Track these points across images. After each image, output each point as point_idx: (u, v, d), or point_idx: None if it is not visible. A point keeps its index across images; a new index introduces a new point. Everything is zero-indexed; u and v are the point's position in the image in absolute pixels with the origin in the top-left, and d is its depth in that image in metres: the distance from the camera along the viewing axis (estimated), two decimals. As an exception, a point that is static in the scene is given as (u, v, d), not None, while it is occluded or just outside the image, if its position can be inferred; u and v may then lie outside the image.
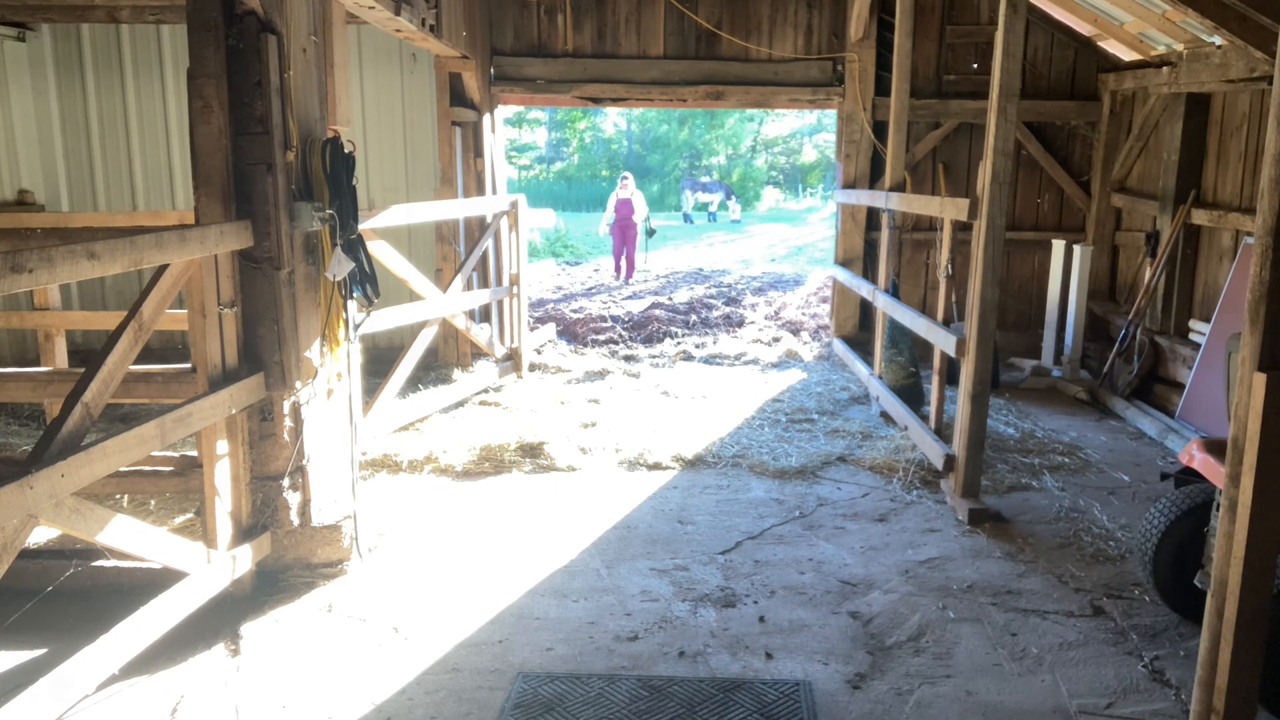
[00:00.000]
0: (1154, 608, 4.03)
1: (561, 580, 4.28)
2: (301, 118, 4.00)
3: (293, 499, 4.12)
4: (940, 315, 5.80)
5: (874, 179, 8.51)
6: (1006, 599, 4.12)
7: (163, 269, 3.49)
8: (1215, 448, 3.51)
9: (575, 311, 10.84)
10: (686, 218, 26.43)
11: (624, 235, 14.69)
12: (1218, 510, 3.18)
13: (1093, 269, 8.05)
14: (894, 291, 7.08)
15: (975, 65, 8.45)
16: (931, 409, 5.92)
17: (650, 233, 15.37)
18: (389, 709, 3.29)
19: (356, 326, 4.40)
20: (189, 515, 4.89)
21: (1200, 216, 6.85)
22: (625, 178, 15.12)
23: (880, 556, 4.55)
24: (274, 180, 3.84)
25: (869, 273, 8.49)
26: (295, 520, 4.15)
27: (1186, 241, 7.06)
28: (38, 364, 6.29)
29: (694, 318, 10.40)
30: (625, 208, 14.66)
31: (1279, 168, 2.44)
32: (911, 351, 6.93)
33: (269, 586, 4.10)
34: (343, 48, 4.73)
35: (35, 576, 3.80)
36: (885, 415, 6.74)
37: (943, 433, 5.75)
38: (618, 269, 14.78)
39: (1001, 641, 3.77)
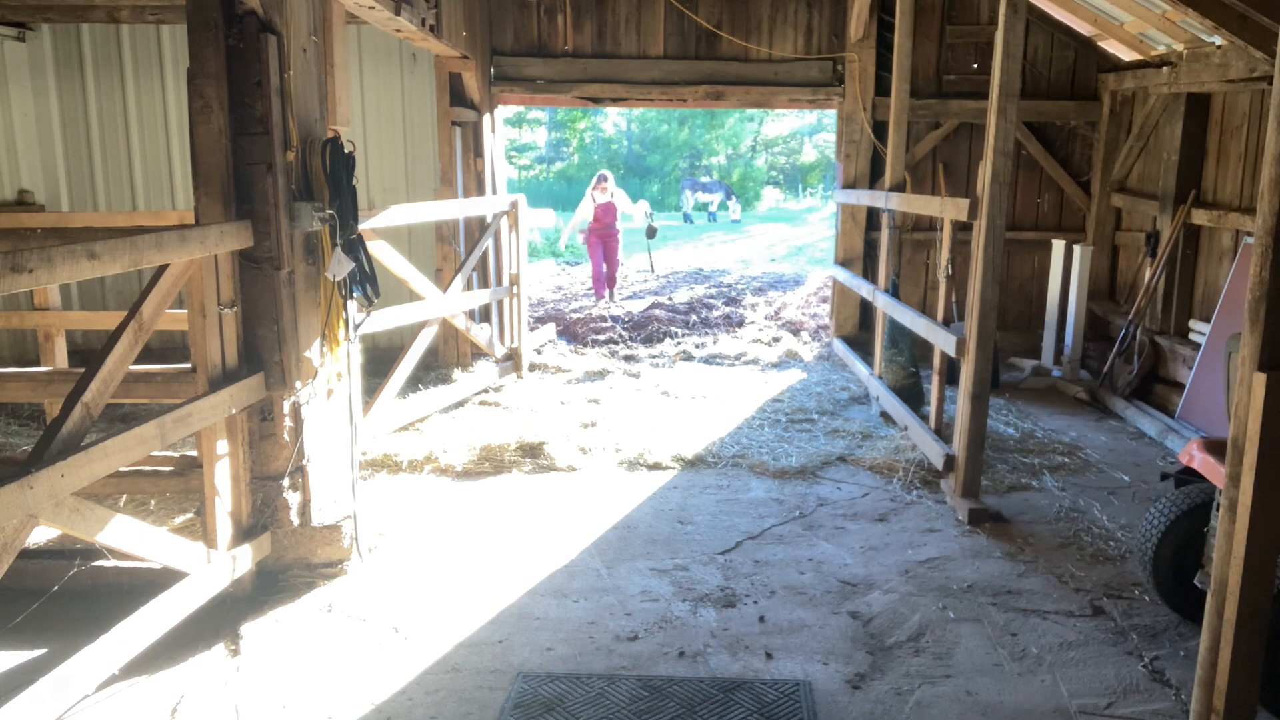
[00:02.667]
0: (1154, 608, 4.03)
1: (561, 580, 4.28)
2: (301, 118, 4.00)
3: (293, 499, 4.12)
4: (940, 315, 5.80)
5: (874, 179, 8.51)
6: (1006, 599, 4.12)
7: (163, 269, 3.49)
8: (1215, 448, 3.51)
9: (575, 311, 10.83)
10: (686, 218, 26.42)
11: (605, 246, 12.18)
12: (1218, 510, 3.18)
13: (1093, 269, 8.05)
14: (894, 291, 7.07)
15: (975, 65, 8.45)
16: (931, 409, 5.91)
17: (651, 233, 13.18)
18: (389, 709, 3.29)
19: (356, 326, 4.40)
20: (189, 515, 4.89)
21: (1200, 216, 6.85)
22: (603, 178, 12.39)
23: (880, 556, 4.55)
24: (274, 180, 3.84)
25: (869, 273, 8.49)
26: (295, 520, 4.15)
27: (1186, 241, 7.06)
28: (38, 364, 6.29)
29: (694, 318, 10.40)
30: (607, 214, 12.15)
31: (1279, 168, 2.44)
32: (911, 351, 6.93)
33: (269, 586, 4.10)
34: (343, 48, 4.73)
35: (35, 576, 3.80)
36: (885, 415, 6.74)
37: (943, 433, 5.74)
38: (598, 289, 12.25)
39: (1001, 641, 3.77)
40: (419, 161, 8.19)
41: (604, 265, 12.28)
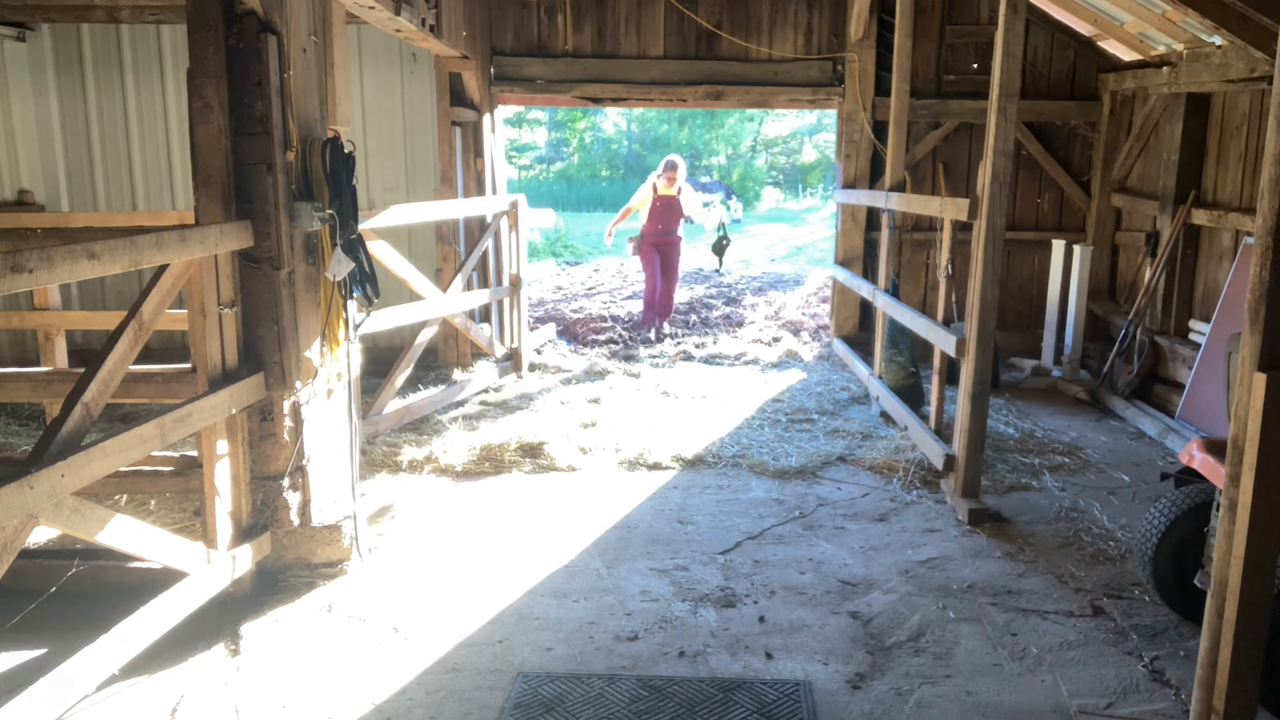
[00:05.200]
0: (1154, 608, 4.03)
1: (561, 580, 4.28)
2: (301, 118, 4.00)
3: (293, 499, 4.12)
4: (940, 315, 5.80)
5: (874, 179, 8.51)
6: (1006, 599, 4.12)
7: (163, 269, 3.49)
8: (1215, 448, 3.51)
9: (575, 311, 10.83)
10: (686, 218, 26.36)
11: (662, 257, 9.24)
12: (1218, 510, 3.18)
13: (1093, 269, 8.05)
14: (894, 291, 7.07)
15: (975, 65, 8.45)
16: (931, 409, 5.91)
17: (720, 247, 9.89)
18: (389, 709, 3.29)
19: (356, 326, 4.40)
20: (189, 515, 4.88)
21: (1200, 216, 6.85)
22: (673, 165, 9.29)
23: (880, 556, 4.55)
24: (274, 180, 3.84)
25: (869, 273, 8.49)
26: (295, 520, 4.15)
27: (1186, 241, 7.06)
28: (38, 364, 6.29)
29: (694, 318, 10.39)
30: (669, 213, 9.21)
31: (1279, 168, 2.44)
32: (911, 351, 6.93)
33: (269, 586, 4.10)
34: (343, 48, 4.73)
35: (35, 576, 3.80)
36: (885, 415, 6.74)
37: (943, 433, 5.74)
38: (647, 314, 9.44)
39: (1001, 641, 3.77)
40: (419, 161, 8.19)
41: (659, 283, 9.29)
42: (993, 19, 7.67)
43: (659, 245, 9.27)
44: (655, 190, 9.23)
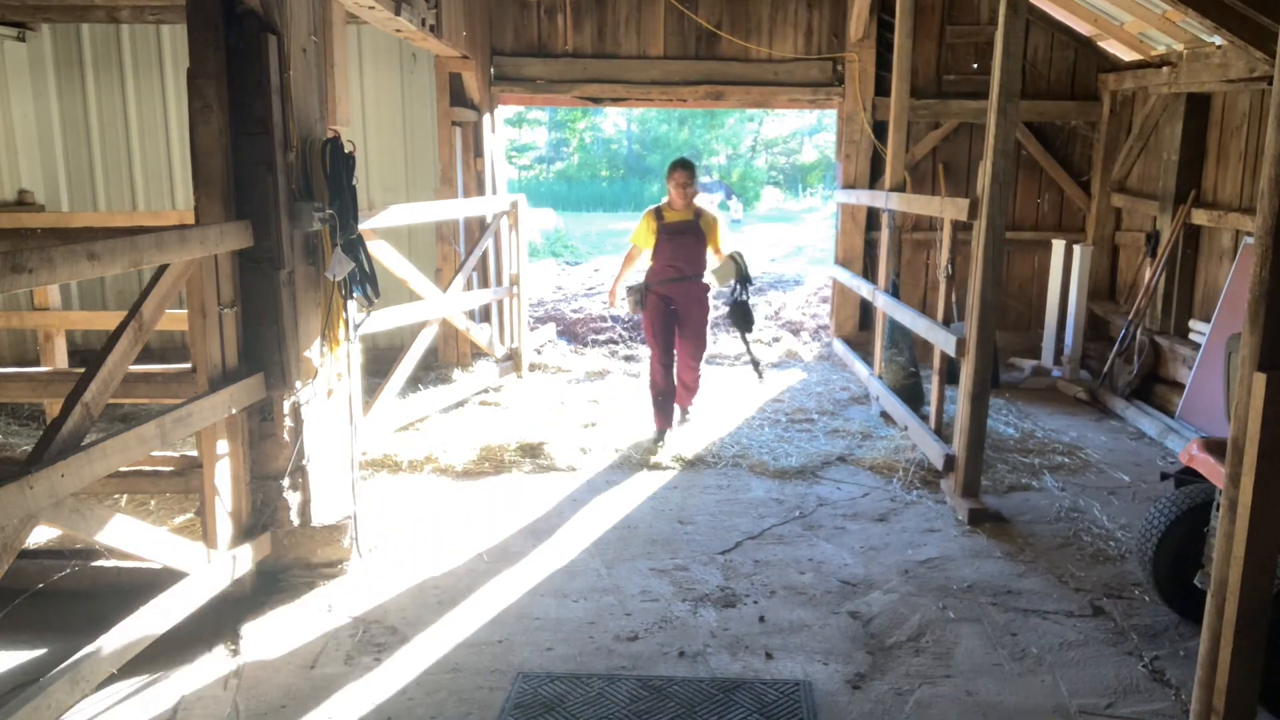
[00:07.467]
0: (1154, 608, 4.02)
1: (561, 580, 4.28)
2: (301, 118, 4.00)
3: (293, 499, 4.12)
4: (940, 315, 5.80)
5: (874, 179, 8.51)
6: (1006, 599, 4.12)
7: (163, 269, 3.49)
8: (1215, 448, 3.51)
9: (575, 311, 10.83)
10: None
11: (681, 314, 6.06)
12: (1218, 510, 3.18)
13: (1093, 269, 8.04)
14: (894, 291, 7.07)
15: (975, 65, 8.44)
16: (931, 409, 5.91)
17: (742, 316, 6.17)
18: (389, 709, 3.29)
19: (356, 326, 4.40)
20: (189, 515, 4.88)
21: (1200, 216, 6.85)
22: (686, 167, 5.98)
23: (880, 556, 4.55)
24: (274, 180, 3.84)
25: (869, 273, 8.49)
26: (295, 520, 4.15)
27: (1186, 241, 7.06)
28: (38, 364, 6.29)
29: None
30: (683, 246, 5.98)
31: (1279, 167, 2.44)
32: (911, 351, 6.93)
33: (269, 586, 4.10)
34: (343, 48, 4.73)
35: (35, 576, 3.80)
36: (885, 415, 6.74)
37: (943, 433, 5.74)
38: (661, 413, 6.14)
39: (1001, 641, 3.77)
40: (419, 161, 8.19)
41: (674, 354, 6.11)
42: (993, 19, 7.66)
43: (669, 297, 6.01)
44: (662, 217, 6.00)
